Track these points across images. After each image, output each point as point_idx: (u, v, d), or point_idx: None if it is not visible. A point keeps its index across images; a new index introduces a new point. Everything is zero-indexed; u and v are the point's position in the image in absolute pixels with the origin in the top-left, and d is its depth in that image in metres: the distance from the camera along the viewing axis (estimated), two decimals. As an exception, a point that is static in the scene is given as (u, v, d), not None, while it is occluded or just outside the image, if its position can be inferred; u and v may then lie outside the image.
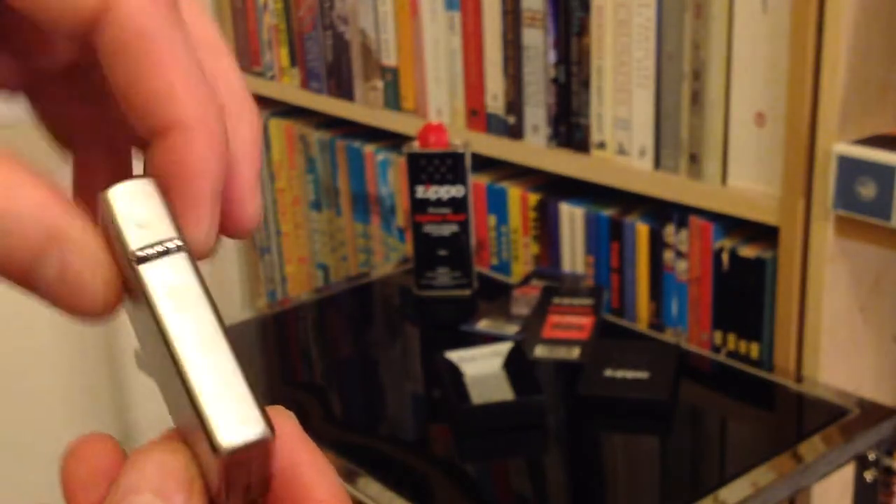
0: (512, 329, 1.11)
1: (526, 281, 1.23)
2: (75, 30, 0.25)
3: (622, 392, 0.96)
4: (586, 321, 1.10)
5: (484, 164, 1.32)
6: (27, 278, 0.24)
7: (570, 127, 1.21)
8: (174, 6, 0.26)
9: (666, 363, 1.00)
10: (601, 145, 1.18)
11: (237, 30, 1.73)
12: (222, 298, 1.84)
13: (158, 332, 0.24)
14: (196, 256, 0.25)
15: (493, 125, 1.30)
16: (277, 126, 1.69)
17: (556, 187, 1.27)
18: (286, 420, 0.26)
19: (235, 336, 0.30)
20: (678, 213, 1.11)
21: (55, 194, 0.24)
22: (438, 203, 1.20)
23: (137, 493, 0.24)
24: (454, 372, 0.99)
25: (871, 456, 0.93)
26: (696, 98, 1.07)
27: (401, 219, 1.48)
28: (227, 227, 0.27)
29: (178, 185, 0.25)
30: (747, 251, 1.06)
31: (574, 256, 1.24)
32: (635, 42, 1.11)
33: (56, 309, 0.25)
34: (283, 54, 1.64)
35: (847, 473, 0.95)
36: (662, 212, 1.14)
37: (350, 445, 0.96)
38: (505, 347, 1.02)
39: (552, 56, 1.20)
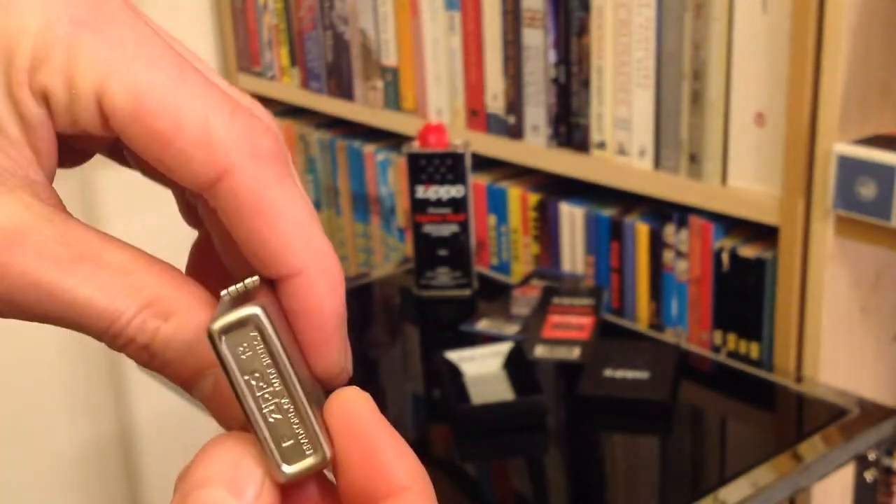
0: (512, 329, 1.11)
1: (526, 281, 1.23)
2: (194, 189, 0.27)
3: (622, 392, 0.96)
4: (586, 321, 1.10)
5: (484, 164, 1.32)
6: (188, 387, 0.27)
7: (570, 127, 1.21)
8: (286, 161, 0.28)
9: (666, 363, 1.00)
10: (601, 145, 1.18)
11: (237, 30, 1.73)
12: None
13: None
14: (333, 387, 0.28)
15: (493, 125, 1.30)
16: (277, 126, 1.69)
17: (556, 187, 1.27)
18: (363, 402, 0.26)
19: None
20: (678, 213, 1.11)
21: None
22: (438, 203, 1.20)
23: (208, 486, 0.25)
24: (454, 372, 0.99)
25: (871, 456, 0.93)
26: (696, 98, 1.07)
27: (401, 219, 1.48)
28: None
29: (305, 324, 0.27)
30: (747, 251, 1.06)
31: (574, 256, 1.24)
32: (635, 42, 1.11)
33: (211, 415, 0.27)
34: (283, 54, 1.64)
35: (847, 473, 0.95)
36: (662, 212, 1.14)
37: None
38: (505, 347, 1.02)
39: (552, 56, 1.20)
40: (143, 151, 0.26)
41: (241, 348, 0.25)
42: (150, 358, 0.26)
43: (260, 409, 0.25)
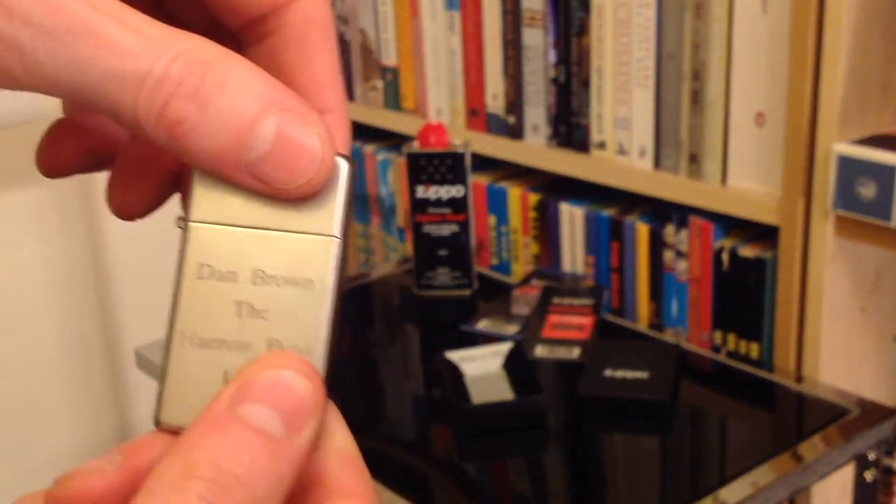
0: (512, 329, 1.11)
1: (526, 281, 1.23)
2: (265, 10, 0.27)
3: (622, 392, 0.96)
4: (586, 321, 1.10)
5: (484, 164, 1.32)
6: (238, 153, 0.25)
7: (570, 127, 1.21)
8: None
9: (666, 363, 1.00)
10: (601, 145, 1.18)
11: (237, 30, 1.73)
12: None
13: None
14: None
15: (493, 125, 1.30)
16: None
17: (556, 187, 1.27)
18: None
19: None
20: (678, 213, 1.11)
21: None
22: (438, 203, 1.20)
23: (279, 368, 0.25)
24: (454, 372, 0.99)
25: (871, 456, 0.93)
26: (696, 98, 1.07)
27: (401, 219, 1.48)
28: None
29: None
30: (747, 251, 1.06)
31: (574, 256, 1.24)
32: (635, 42, 1.11)
33: (263, 187, 0.25)
34: (283, 54, 1.64)
35: (847, 473, 0.95)
36: (662, 212, 1.14)
37: (350, 445, 0.95)
38: (505, 347, 1.02)
39: (552, 56, 1.20)
40: None
41: None
42: (198, 110, 0.24)
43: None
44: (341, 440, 0.26)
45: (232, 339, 0.26)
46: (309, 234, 0.26)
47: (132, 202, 0.30)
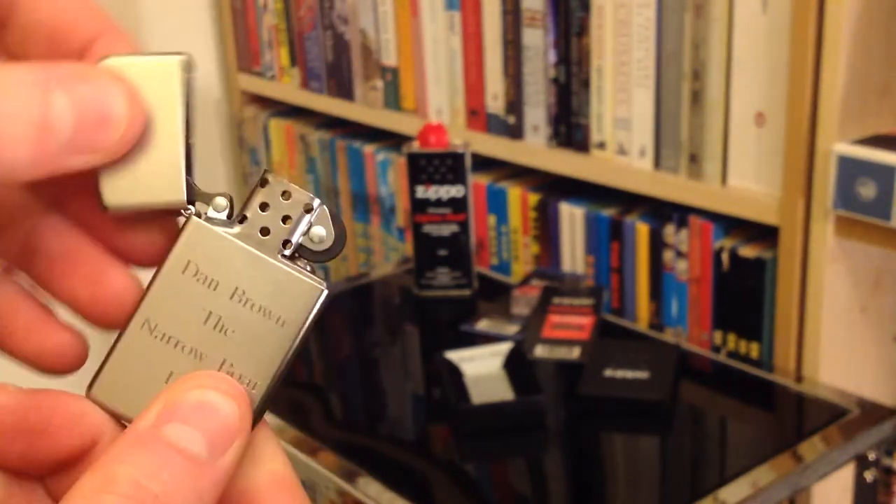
0: (512, 329, 1.11)
1: (526, 281, 1.23)
2: None
3: (622, 392, 0.96)
4: (586, 321, 1.10)
5: (484, 164, 1.32)
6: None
7: (570, 127, 1.21)
8: None
9: (666, 363, 1.00)
10: (601, 145, 1.18)
11: (237, 30, 1.73)
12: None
13: None
14: None
15: (493, 125, 1.30)
16: (277, 126, 1.69)
17: (556, 187, 1.27)
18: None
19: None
20: (678, 213, 1.11)
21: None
22: (438, 203, 1.20)
23: (206, 389, 0.25)
24: (454, 372, 0.99)
25: (871, 456, 0.93)
26: (696, 98, 1.07)
27: (401, 219, 1.48)
28: None
29: None
30: (747, 251, 1.06)
31: (574, 256, 1.24)
32: (635, 42, 1.11)
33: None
34: (283, 54, 1.64)
35: (847, 473, 0.95)
36: (662, 212, 1.14)
37: (350, 445, 0.96)
38: (505, 347, 1.01)
39: (552, 56, 1.20)
40: None
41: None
42: None
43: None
44: (276, 464, 0.26)
45: (189, 344, 0.26)
46: (303, 277, 0.27)
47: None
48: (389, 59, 1.44)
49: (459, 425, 0.94)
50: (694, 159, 1.09)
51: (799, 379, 1.02)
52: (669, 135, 1.10)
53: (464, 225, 1.21)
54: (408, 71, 1.41)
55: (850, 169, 0.92)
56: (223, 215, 0.27)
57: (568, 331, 1.09)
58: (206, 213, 0.27)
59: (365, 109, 1.50)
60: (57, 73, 0.24)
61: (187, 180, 0.27)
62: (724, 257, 1.08)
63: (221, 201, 0.27)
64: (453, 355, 1.00)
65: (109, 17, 0.27)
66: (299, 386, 1.11)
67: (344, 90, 1.53)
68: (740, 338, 1.09)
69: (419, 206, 1.20)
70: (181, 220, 0.27)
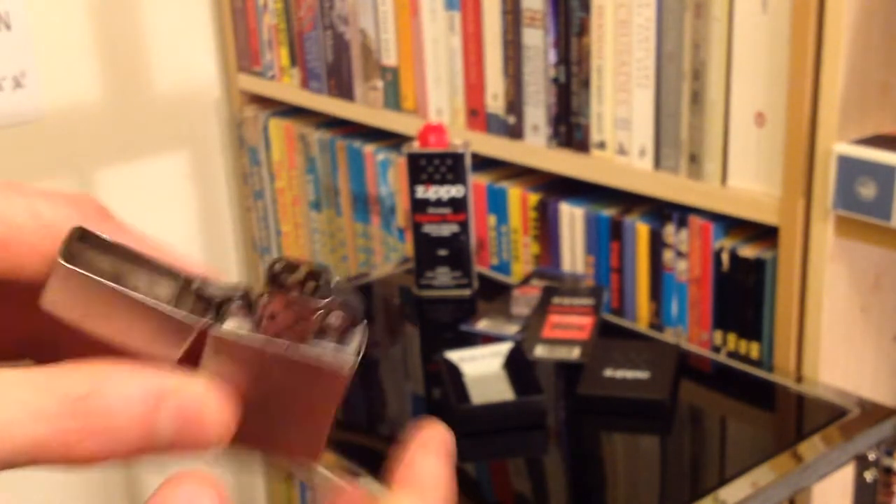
0: (512, 329, 1.11)
1: (526, 281, 1.23)
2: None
3: (622, 392, 0.96)
4: (586, 321, 1.10)
5: (484, 164, 1.32)
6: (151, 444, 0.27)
7: (570, 127, 1.21)
8: None
9: (666, 363, 1.00)
10: (601, 145, 1.18)
11: (237, 30, 1.73)
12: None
13: None
14: None
15: (493, 125, 1.30)
16: (277, 126, 1.69)
17: (556, 187, 1.27)
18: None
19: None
20: (678, 213, 1.11)
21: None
22: (438, 203, 1.20)
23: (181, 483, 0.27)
24: (454, 372, 0.99)
25: (871, 456, 0.93)
26: (696, 98, 1.07)
27: (401, 219, 1.48)
28: None
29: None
30: (747, 251, 1.06)
31: (574, 256, 1.24)
32: (635, 42, 1.11)
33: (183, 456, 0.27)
34: (283, 54, 1.64)
35: (847, 473, 0.95)
36: (662, 212, 1.14)
37: (350, 445, 0.96)
38: (505, 347, 1.01)
39: (552, 56, 1.20)
40: None
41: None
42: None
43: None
44: None
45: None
46: (325, 358, 0.28)
47: None
48: (389, 59, 1.44)
49: (459, 425, 0.94)
50: (694, 159, 1.09)
51: (799, 379, 1.02)
52: (669, 135, 1.10)
53: (464, 225, 1.21)
54: (408, 71, 1.41)
55: (850, 169, 0.92)
56: (244, 320, 0.28)
57: (568, 331, 1.09)
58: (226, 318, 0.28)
59: (365, 109, 1.50)
60: (162, 386, 0.26)
61: (197, 292, 0.28)
62: (724, 257, 1.08)
63: (238, 304, 0.28)
64: (453, 355, 1.00)
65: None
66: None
67: (344, 90, 1.53)
68: (740, 338, 1.09)
69: (419, 206, 1.20)
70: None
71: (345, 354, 0.28)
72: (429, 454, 0.30)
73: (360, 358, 0.28)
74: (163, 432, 0.26)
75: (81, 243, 0.27)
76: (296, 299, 0.28)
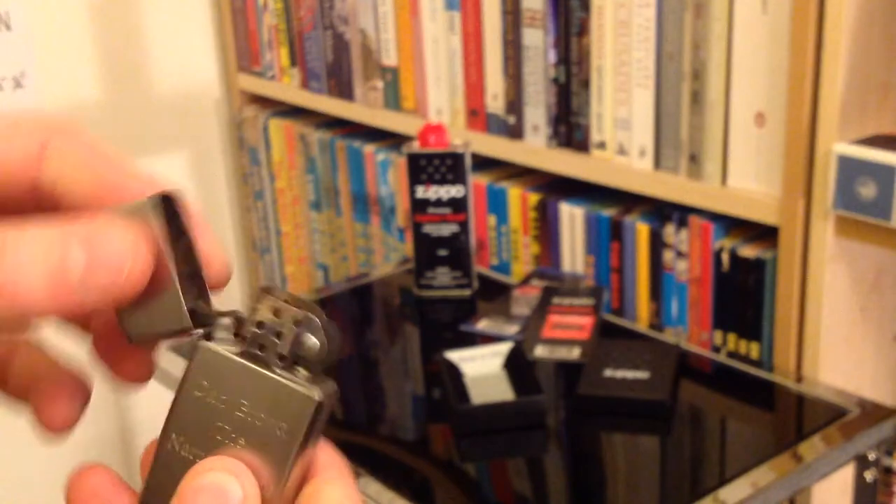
0: (512, 329, 1.11)
1: (526, 281, 1.23)
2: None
3: (622, 392, 0.96)
4: (586, 321, 1.10)
5: (484, 164, 1.32)
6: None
7: (570, 127, 1.21)
8: None
9: (666, 363, 1.00)
10: (601, 145, 1.18)
11: (237, 30, 1.73)
12: (221, 298, 1.83)
13: None
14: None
15: (493, 125, 1.30)
16: (277, 126, 1.69)
17: (556, 187, 1.27)
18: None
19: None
20: (678, 213, 1.11)
21: None
22: (438, 203, 1.20)
23: (210, 471, 0.29)
24: (454, 372, 0.99)
25: (871, 456, 0.93)
26: (696, 98, 1.07)
27: (401, 219, 1.48)
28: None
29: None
30: (747, 251, 1.06)
31: (574, 256, 1.24)
32: (635, 42, 1.11)
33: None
34: (283, 54, 1.64)
35: (847, 473, 0.95)
36: (662, 212, 1.14)
37: (350, 445, 0.95)
38: (505, 347, 1.01)
39: (552, 56, 1.20)
40: None
41: None
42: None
43: None
44: None
45: (205, 454, 0.31)
46: (297, 387, 0.31)
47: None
48: (389, 59, 1.44)
49: (459, 425, 0.94)
50: (694, 159, 1.09)
51: (799, 379, 1.02)
52: (669, 135, 1.10)
53: (464, 225, 1.21)
54: (408, 71, 1.41)
55: (850, 169, 0.92)
56: (229, 334, 0.31)
57: (568, 331, 1.09)
58: (214, 335, 0.31)
59: (365, 109, 1.50)
60: (73, 228, 0.28)
61: (190, 308, 0.31)
62: (724, 257, 1.08)
63: (226, 321, 0.31)
64: (453, 355, 1.00)
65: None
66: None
67: (344, 90, 1.53)
68: (740, 338, 1.09)
69: (419, 206, 1.20)
70: (193, 340, 0.31)
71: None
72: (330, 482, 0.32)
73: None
74: (73, 267, 0.27)
75: None
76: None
